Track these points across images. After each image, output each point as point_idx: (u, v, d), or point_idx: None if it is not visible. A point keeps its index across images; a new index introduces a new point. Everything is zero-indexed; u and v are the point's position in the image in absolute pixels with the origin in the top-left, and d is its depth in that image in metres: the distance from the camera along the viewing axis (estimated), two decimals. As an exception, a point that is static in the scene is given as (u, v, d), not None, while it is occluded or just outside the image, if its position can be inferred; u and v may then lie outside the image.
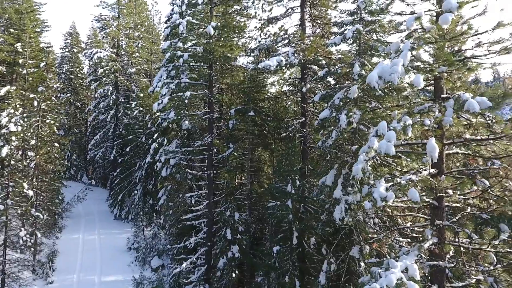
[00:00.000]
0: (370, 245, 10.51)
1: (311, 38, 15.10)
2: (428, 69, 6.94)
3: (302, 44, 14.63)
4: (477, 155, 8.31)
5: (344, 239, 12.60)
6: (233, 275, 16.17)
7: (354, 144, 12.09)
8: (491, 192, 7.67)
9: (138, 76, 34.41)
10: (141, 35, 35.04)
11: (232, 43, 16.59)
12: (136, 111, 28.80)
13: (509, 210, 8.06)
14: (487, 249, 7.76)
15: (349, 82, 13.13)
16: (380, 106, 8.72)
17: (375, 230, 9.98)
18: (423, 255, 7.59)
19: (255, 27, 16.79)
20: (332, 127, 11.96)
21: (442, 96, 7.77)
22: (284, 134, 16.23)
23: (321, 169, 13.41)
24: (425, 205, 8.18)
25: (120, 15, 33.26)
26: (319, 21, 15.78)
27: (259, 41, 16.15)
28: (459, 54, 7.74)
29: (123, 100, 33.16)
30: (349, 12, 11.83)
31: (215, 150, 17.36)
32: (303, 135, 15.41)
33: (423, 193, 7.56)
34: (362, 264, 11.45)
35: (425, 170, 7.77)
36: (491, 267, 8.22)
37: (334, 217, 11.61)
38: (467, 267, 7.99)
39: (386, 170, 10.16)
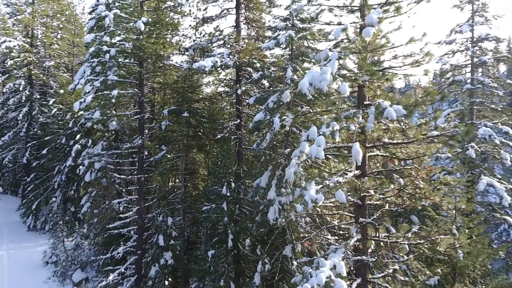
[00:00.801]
0: (302, 244, 10.94)
1: (246, 40, 15.22)
2: (353, 78, 7.45)
3: (237, 46, 14.65)
4: (394, 156, 9.19)
5: (278, 238, 12.94)
6: (166, 282, 15.51)
7: (287, 146, 12.47)
8: (405, 190, 8.52)
9: (57, 71, 30.97)
10: (61, 25, 31.63)
11: (165, 41, 15.87)
12: (55, 109, 25.91)
13: (418, 205, 9.09)
14: (402, 242, 8.61)
15: (282, 85, 13.53)
16: (311, 111, 9.12)
17: (307, 229, 10.41)
18: (349, 252, 8.10)
19: (190, 25, 16.34)
20: (267, 130, 12.18)
21: (364, 102, 8.41)
22: (219, 136, 16.08)
23: (256, 171, 13.58)
24: (351, 204, 8.77)
25: (35, 1, 29.61)
26: (254, 24, 15.97)
27: (194, 40, 15.74)
28: (379, 64, 8.46)
29: (38, 97, 29.53)
30: (282, 18, 12.17)
31: (146, 153, 16.45)
32: (238, 137, 15.44)
33: (349, 193, 8.08)
34: (295, 262, 11.88)
35: (350, 171, 8.32)
36: (405, 257, 9.17)
37: (268, 217, 11.85)
38: (385, 259, 8.76)
39: (316, 172, 10.66)
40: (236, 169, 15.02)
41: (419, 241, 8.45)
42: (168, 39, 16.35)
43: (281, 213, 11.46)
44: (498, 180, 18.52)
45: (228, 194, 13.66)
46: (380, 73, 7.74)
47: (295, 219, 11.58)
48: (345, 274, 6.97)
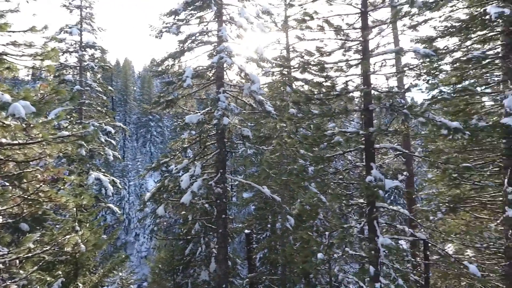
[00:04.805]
0: None
1: None
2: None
3: None
4: (10, 159, 7.86)
5: None
6: None
7: None
8: (28, 197, 7.59)
9: None
10: None
11: None
12: None
13: (40, 210, 8.45)
14: (25, 255, 7.62)
15: None
16: None
17: None
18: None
19: None
20: None
21: (-30, 91, 6.51)
22: None
23: None
24: None
25: None
26: None
27: None
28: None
29: None
30: None
31: None
32: None
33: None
34: None
35: None
36: (23, 272, 8.18)
37: None
38: (4, 282, 7.34)
39: None
40: None
41: (45, 248, 7.86)
42: None
43: None
44: (103, 173, 21.12)
45: None
46: (-2, 58, 6.34)
47: None
48: None
